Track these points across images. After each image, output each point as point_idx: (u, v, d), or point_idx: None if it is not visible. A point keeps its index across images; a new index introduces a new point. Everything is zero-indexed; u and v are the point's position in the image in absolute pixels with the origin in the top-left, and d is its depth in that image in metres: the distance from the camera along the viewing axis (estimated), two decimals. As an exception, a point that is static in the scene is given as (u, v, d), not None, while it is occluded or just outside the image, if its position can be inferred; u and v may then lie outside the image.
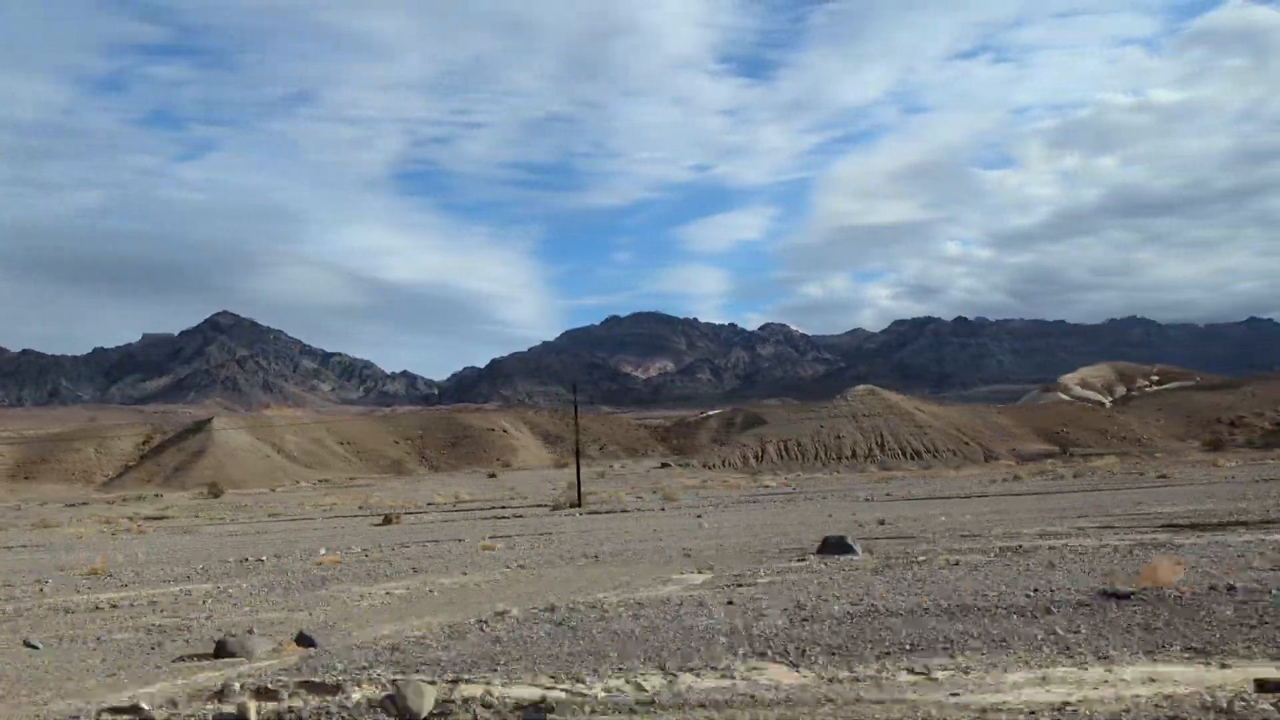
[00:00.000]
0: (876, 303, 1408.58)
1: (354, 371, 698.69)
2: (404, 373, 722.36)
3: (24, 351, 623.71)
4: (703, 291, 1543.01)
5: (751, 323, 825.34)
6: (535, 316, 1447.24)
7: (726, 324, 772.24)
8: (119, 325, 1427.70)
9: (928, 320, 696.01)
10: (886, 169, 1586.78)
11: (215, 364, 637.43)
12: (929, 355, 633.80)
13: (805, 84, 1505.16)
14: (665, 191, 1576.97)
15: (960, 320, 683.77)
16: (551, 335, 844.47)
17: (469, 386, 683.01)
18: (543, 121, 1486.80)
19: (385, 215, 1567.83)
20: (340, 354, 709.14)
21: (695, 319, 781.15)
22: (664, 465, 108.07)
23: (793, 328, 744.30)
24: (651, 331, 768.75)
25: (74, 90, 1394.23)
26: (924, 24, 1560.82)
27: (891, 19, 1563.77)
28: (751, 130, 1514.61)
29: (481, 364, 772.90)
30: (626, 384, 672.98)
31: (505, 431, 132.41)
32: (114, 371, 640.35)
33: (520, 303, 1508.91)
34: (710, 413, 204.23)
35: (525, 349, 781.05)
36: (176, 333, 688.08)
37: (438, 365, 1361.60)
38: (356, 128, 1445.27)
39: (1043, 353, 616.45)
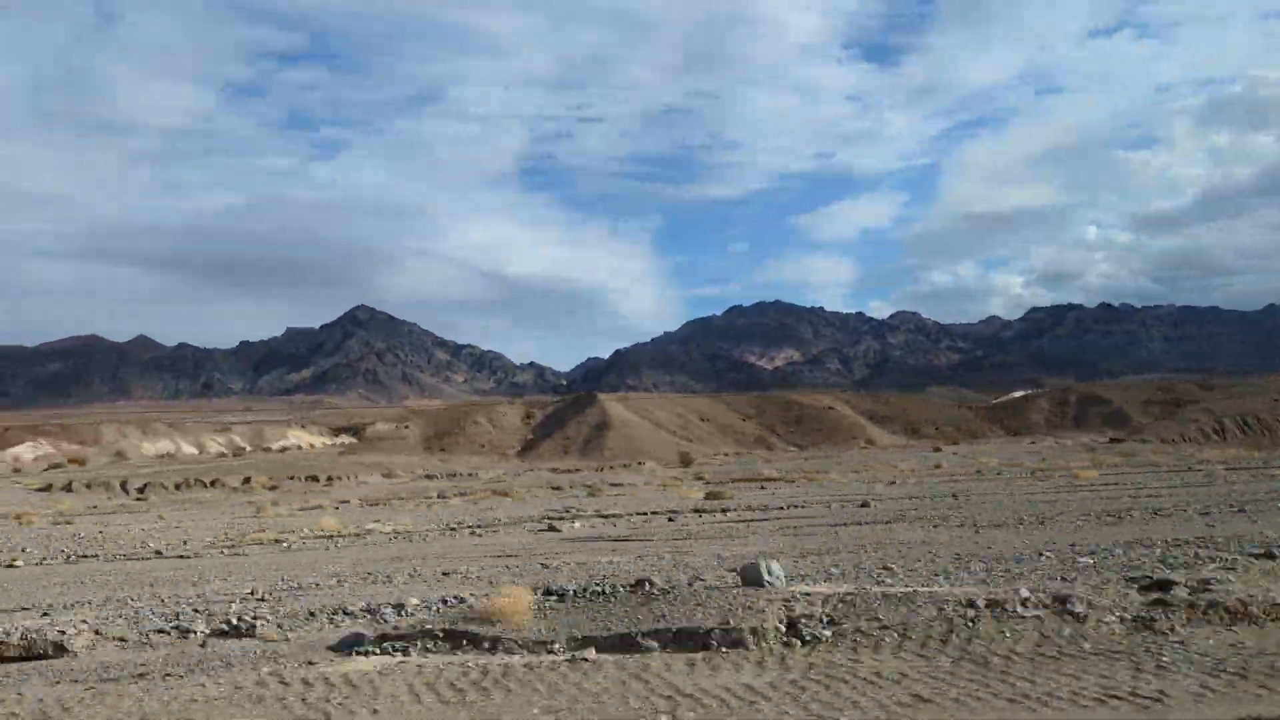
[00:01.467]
0: (1007, 290, 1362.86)
1: (485, 363, 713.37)
2: (531, 364, 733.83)
3: (179, 345, 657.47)
4: (825, 281, 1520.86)
5: (879, 311, 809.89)
6: (654, 307, 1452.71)
7: (854, 313, 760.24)
8: (263, 320, 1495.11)
9: (1069, 307, 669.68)
10: (1019, 153, 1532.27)
11: (355, 357, 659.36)
12: (1070, 343, 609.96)
13: (932, 67, 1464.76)
14: (785, 181, 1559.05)
15: (1104, 307, 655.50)
16: (673, 326, 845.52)
17: (596, 377, 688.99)
18: (661, 114, 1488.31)
19: (508, 210, 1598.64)
20: (471, 346, 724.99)
21: (821, 308, 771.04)
22: (1114, 440, 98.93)
23: (924, 316, 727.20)
24: (776, 321, 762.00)
25: (216, 96, 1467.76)
26: (1058, 1, 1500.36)
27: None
28: (877, 116, 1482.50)
29: (605, 355, 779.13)
30: (752, 374, 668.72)
31: (835, 410, 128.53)
32: (261, 365, 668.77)
33: (639, 294, 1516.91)
34: (1024, 392, 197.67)
35: (648, 340, 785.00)
36: (317, 326, 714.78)
37: (562, 356, 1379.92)
38: (480, 125, 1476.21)
39: (1195, 340, 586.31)
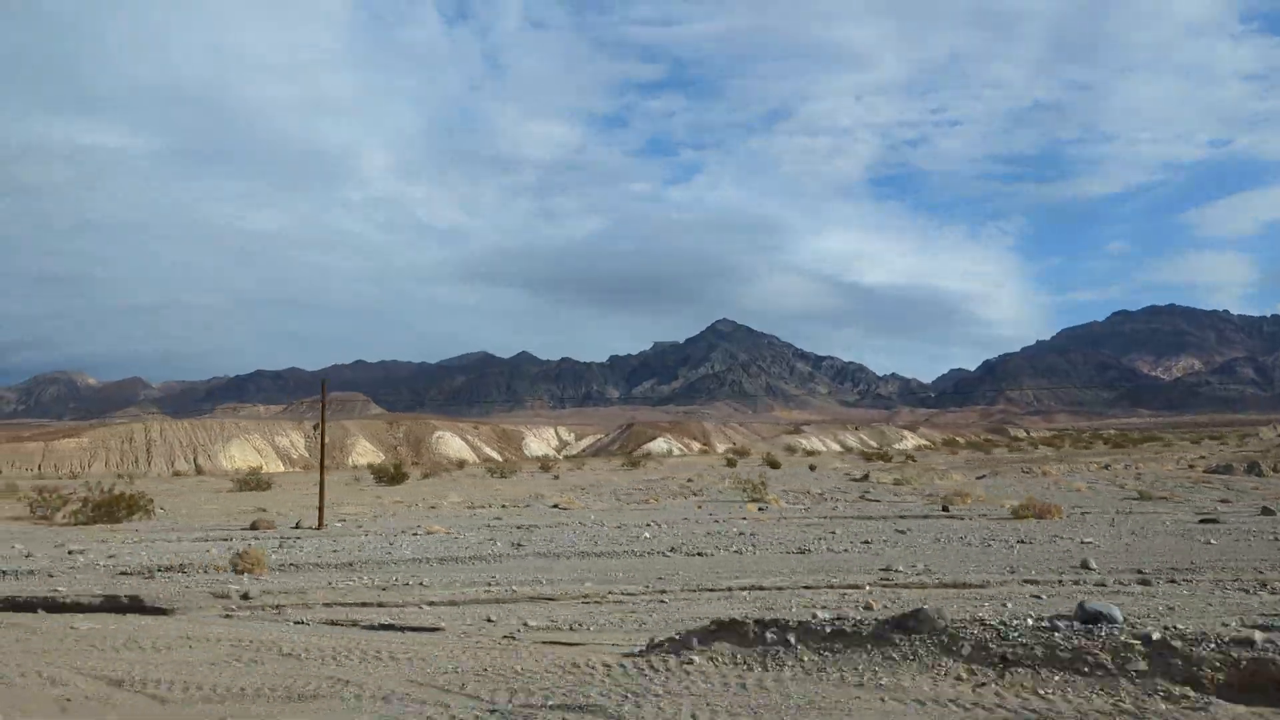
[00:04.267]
0: None
1: (847, 374, 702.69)
2: (894, 375, 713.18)
3: (562, 360, 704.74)
4: (1222, 281, 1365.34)
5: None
6: (1020, 314, 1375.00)
7: (1267, 315, 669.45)
8: (632, 335, 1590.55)
9: None
10: None
11: (721, 368, 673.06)
12: None
13: None
14: (1171, 173, 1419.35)
15: None
16: (1045, 333, 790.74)
17: (968, 389, 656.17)
18: (1025, 111, 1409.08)
19: (859, 220, 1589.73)
20: (832, 357, 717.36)
21: (1226, 311, 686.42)
22: None
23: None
24: (1170, 326, 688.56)
25: (584, 129, 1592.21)
26: None
27: None
28: None
29: (969, 365, 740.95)
30: (1148, 384, 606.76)
31: None
32: (633, 376, 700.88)
33: (1002, 300, 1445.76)
34: None
35: (1016, 349, 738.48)
36: (682, 340, 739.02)
37: (923, 367, 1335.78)
38: (831, 137, 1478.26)
39: None
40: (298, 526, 28.34)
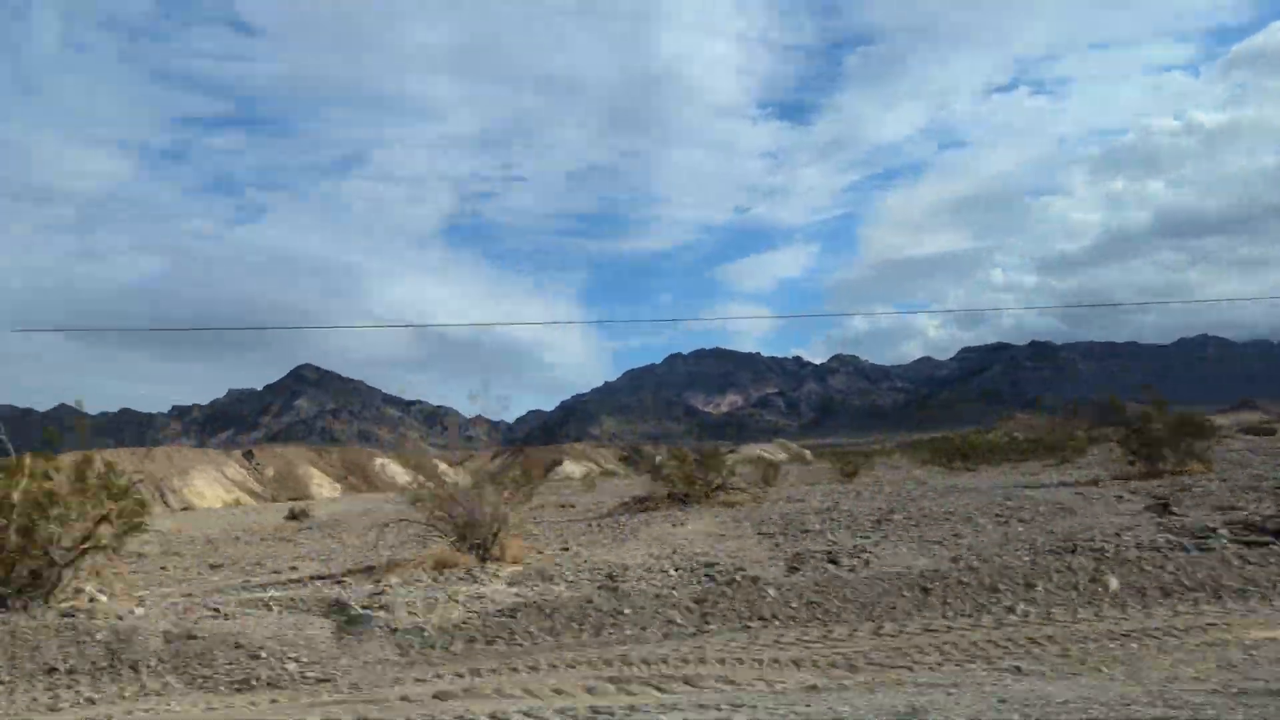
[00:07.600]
0: (924, 333, 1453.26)
1: (436, 418, 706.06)
2: (479, 416, 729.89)
3: (122, 410, 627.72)
4: (750, 329, 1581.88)
5: (808, 356, 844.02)
6: (585, 359, 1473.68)
7: (790, 357, 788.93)
8: (201, 383, 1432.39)
9: (1000, 346, 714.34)
10: (930, 202, 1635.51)
11: (310, 415, 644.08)
12: (1005, 380, 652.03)
13: (842, 125, 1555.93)
14: (706, 234, 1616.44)
15: (1034, 345, 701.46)
16: (611, 375, 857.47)
17: (552, 428, 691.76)
18: (585, 172, 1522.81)
19: (436, 268, 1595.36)
20: (420, 401, 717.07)
21: (759, 353, 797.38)
22: None
23: (862, 359, 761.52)
24: (716, 367, 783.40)
25: (135, 162, 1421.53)
26: (957, 61, 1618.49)
27: (924, 58, 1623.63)
28: (791, 171, 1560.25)
29: (545, 407, 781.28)
30: (703, 419, 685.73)
31: None
32: (208, 426, 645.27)
33: (568, 346, 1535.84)
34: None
35: (587, 390, 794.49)
36: (260, 387, 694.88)
37: (504, 410, 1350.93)
38: (405, 186, 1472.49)
39: (1120, 375, 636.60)
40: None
